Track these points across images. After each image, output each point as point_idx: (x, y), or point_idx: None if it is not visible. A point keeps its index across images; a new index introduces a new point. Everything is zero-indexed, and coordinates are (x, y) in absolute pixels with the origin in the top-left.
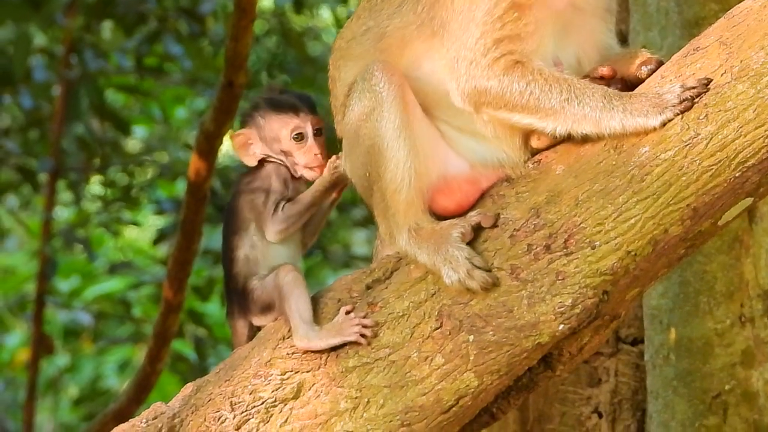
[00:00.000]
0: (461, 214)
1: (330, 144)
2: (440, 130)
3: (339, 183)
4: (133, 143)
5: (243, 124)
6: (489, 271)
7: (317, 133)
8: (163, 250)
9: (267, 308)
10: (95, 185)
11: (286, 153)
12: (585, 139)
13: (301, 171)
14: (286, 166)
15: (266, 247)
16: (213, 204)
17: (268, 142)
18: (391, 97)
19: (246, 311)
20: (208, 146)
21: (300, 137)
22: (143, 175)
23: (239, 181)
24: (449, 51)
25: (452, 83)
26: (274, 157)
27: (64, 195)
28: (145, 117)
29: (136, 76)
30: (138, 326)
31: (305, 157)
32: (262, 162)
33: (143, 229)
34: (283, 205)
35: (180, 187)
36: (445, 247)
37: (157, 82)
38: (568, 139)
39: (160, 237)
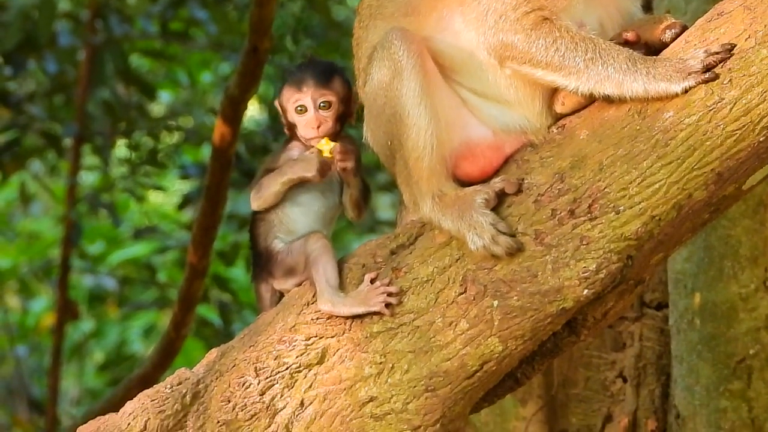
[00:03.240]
0: (485, 180)
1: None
2: (461, 97)
3: (323, 166)
4: (158, 108)
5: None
6: (513, 236)
7: (323, 106)
8: (188, 215)
9: (290, 272)
10: (121, 149)
11: (293, 125)
12: (609, 104)
13: (306, 143)
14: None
15: (281, 210)
16: (238, 169)
17: (283, 111)
18: (411, 65)
19: (268, 274)
20: (233, 111)
21: (302, 110)
22: (169, 140)
23: (274, 150)
24: (480, 4)
25: (480, 36)
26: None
27: (90, 159)
28: (171, 82)
29: (161, 41)
30: (163, 291)
31: (304, 129)
32: (291, 136)
33: (168, 194)
34: (263, 175)
35: (205, 152)
36: (470, 213)
37: (182, 47)
38: (592, 104)
39: (185, 202)
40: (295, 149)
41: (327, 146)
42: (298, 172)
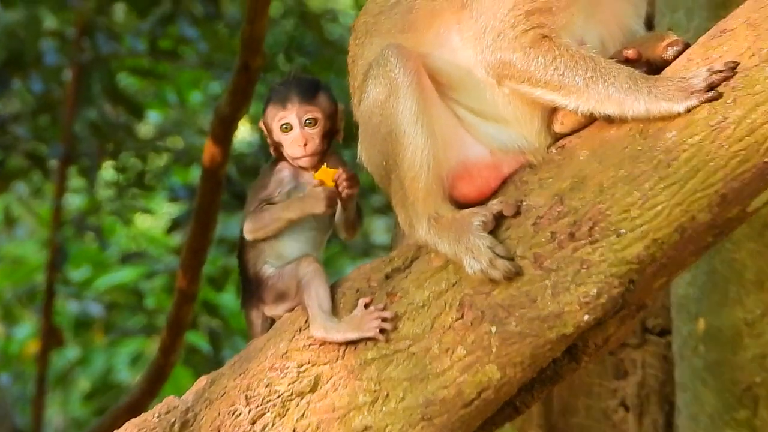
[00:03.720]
0: (483, 201)
1: (346, 130)
2: (458, 115)
3: (331, 200)
4: (146, 128)
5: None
6: (512, 260)
7: (309, 123)
8: (177, 238)
9: (281, 297)
10: (108, 171)
11: (279, 144)
12: (610, 124)
13: (292, 161)
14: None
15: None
16: (228, 191)
17: (269, 133)
18: (407, 83)
19: (259, 300)
20: (224, 131)
21: (287, 128)
22: (157, 161)
23: (261, 171)
24: (477, 22)
25: (477, 54)
26: (279, 147)
27: (76, 182)
28: (159, 101)
29: (149, 60)
30: (151, 317)
31: (290, 149)
32: (279, 155)
33: (156, 217)
34: (262, 206)
35: (195, 174)
36: (467, 236)
37: (172, 66)
38: (593, 123)
39: (174, 225)
40: (284, 170)
41: (327, 174)
42: (307, 209)
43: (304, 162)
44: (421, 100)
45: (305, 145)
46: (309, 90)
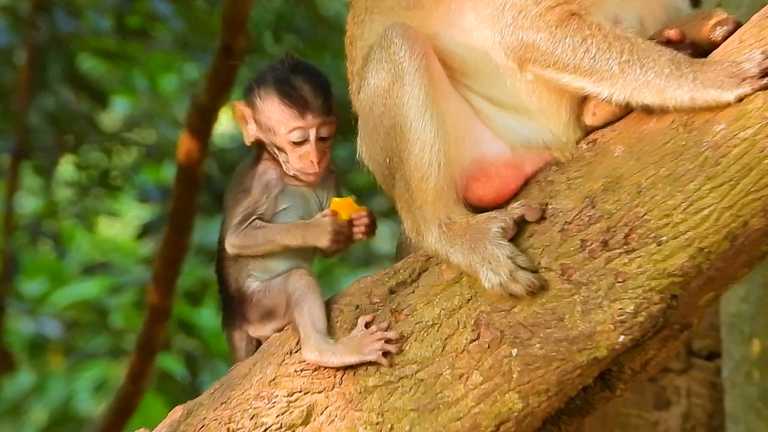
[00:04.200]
0: (501, 205)
1: (344, 122)
2: (473, 105)
3: (340, 238)
4: (112, 119)
5: (244, 96)
6: (535, 272)
7: (323, 137)
8: (148, 246)
9: (268, 316)
10: (67, 168)
11: (279, 149)
12: (648, 115)
13: (293, 171)
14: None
15: None
16: (207, 191)
17: (263, 129)
18: (414, 68)
19: (243, 319)
20: (202, 123)
21: (301, 139)
22: (124, 157)
23: (235, 173)
24: None
25: (496, 34)
26: (267, 146)
27: (30, 180)
28: (127, 88)
29: (116, 40)
30: (117, 338)
31: (300, 162)
32: (262, 148)
33: (124, 222)
34: (252, 221)
35: (168, 172)
36: (483, 244)
37: (142, 47)
38: (629, 114)
39: (145, 231)
40: (269, 171)
41: (347, 207)
42: (309, 240)
43: (312, 178)
44: (430, 88)
45: (319, 162)
46: (327, 97)
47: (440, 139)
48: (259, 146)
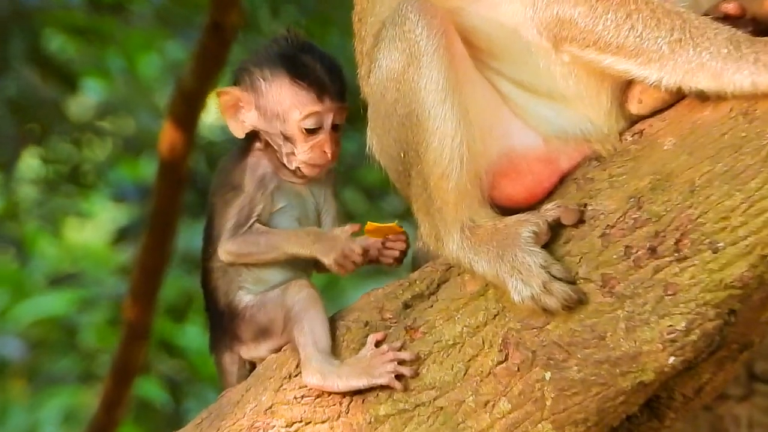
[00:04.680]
0: (533, 205)
1: (351, 110)
2: (501, 91)
3: (356, 262)
4: (83, 106)
5: (236, 81)
6: (572, 283)
7: (336, 126)
8: (125, 254)
9: (263, 334)
10: (31, 163)
11: (287, 138)
12: (703, 103)
13: (297, 164)
14: (275, 151)
15: None
16: (194, 190)
17: (267, 116)
18: (432, 48)
19: (234, 338)
20: (187, 111)
21: (314, 127)
22: (97, 150)
23: (219, 168)
24: None
25: (527, 9)
26: (267, 136)
27: None
28: (101, 70)
29: (87, 14)
30: (89, 360)
31: (310, 153)
32: (251, 140)
33: (97, 225)
34: (251, 225)
35: (148, 167)
36: (513, 251)
37: (117, 23)
38: (681, 102)
39: (121, 236)
40: (263, 164)
41: (382, 231)
42: (318, 252)
43: (317, 172)
44: (450, 71)
45: (333, 152)
46: (342, 79)
47: (463, 129)
48: (248, 137)
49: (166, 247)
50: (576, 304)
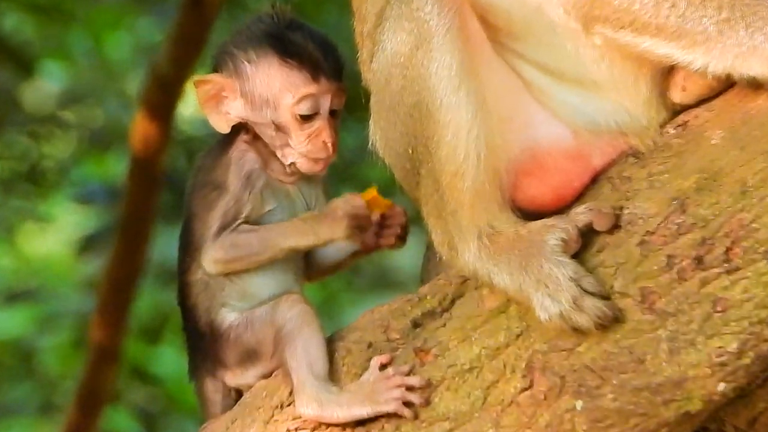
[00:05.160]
0: (560, 209)
1: (350, 99)
2: (523, 77)
3: (361, 228)
4: (42, 93)
5: (216, 67)
6: (607, 298)
7: (334, 113)
8: (91, 265)
9: (250, 357)
10: None
11: (279, 128)
12: (755, 91)
13: (294, 159)
14: (265, 146)
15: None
16: (172, 190)
17: (255, 104)
18: (444, 28)
19: (217, 362)
20: (163, 99)
21: (310, 112)
22: (59, 144)
23: (197, 165)
24: None
25: None
26: (256, 128)
27: None
28: (62, 53)
29: None
30: (49, 388)
31: (309, 145)
32: (236, 132)
33: (58, 231)
34: (236, 226)
35: (117, 164)
36: (538, 261)
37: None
38: (730, 90)
39: (87, 243)
40: (249, 158)
41: (380, 203)
42: (323, 233)
43: (320, 167)
44: (465, 55)
45: (333, 143)
46: (338, 57)
47: (479, 121)
48: (232, 129)
49: (138, 257)
50: (611, 322)
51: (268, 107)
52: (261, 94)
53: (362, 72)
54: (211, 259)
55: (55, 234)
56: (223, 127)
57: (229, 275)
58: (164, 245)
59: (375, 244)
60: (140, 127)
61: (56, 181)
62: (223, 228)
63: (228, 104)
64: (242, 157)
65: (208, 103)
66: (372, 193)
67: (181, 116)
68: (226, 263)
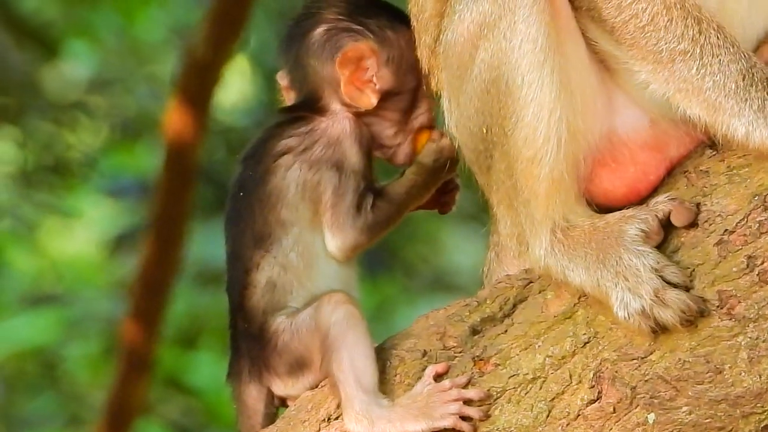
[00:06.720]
0: (633, 204)
1: None
2: (602, 57)
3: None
4: (67, 78)
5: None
6: (690, 290)
7: None
8: (122, 266)
9: (299, 366)
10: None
11: (416, 96)
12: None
13: (406, 142)
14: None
15: (309, 268)
16: (210, 184)
17: (402, 70)
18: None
19: (263, 370)
20: (200, 85)
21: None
22: (87, 134)
23: (274, 139)
24: None
25: None
26: (389, 101)
27: None
28: (89, 35)
29: None
30: (75, 399)
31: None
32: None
33: (86, 227)
34: (372, 201)
35: (149, 155)
36: (617, 253)
37: None
38: None
39: (117, 242)
40: (351, 123)
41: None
42: (425, 173)
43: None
44: (551, 28)
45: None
46: None
47: (563, 101)
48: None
49: (173, 257)
50: (697, 317)
51: (412, 72)
52: (408, 58)
53: (421, 57)
54: (351, 242)
55: (82, 231)
56: (368, 103)
57: (291, 261)
58: (201, 244)
59: (432, 201)
60: (174, 116)
61: (83, 174)
62: (358, 207)
63: (371, 73)
64: (356, 126)
65: (355, 71)
66: (427, 135)
67: (218, 105)
68: (367, 243)
